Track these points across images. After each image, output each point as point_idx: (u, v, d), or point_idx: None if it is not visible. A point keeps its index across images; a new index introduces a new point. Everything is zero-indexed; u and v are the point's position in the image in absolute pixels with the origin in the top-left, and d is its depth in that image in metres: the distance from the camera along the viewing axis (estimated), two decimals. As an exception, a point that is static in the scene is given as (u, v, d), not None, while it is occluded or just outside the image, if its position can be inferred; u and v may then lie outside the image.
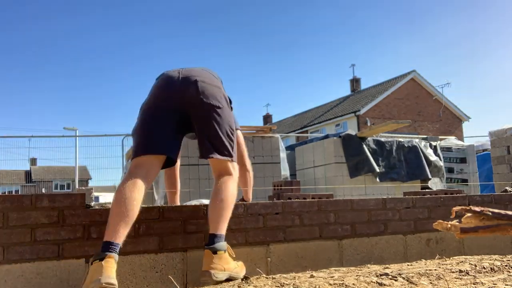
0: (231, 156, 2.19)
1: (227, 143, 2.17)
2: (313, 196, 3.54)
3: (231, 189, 2.12)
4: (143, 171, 2.03)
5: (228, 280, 1.97)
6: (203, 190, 5.83)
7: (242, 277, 1.99)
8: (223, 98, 2.22)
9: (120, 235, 1.82)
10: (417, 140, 7.66)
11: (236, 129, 2.37)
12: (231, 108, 2.32)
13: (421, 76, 24.90)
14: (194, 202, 2.78)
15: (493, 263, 1.99)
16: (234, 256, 2.09)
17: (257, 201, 2.45)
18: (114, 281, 1.70)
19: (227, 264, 1.99)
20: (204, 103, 2.14)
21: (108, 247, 1.78)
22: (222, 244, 2.00)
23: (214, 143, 2.14)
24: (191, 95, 2.13)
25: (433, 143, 7.80)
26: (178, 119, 2.16)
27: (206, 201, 2.44)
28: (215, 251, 1.97)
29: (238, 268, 2.07)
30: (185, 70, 2.24)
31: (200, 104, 2.13)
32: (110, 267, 1.72)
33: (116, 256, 1.78)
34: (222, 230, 2.04)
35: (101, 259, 1.73)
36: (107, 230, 1.82)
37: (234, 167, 2.21)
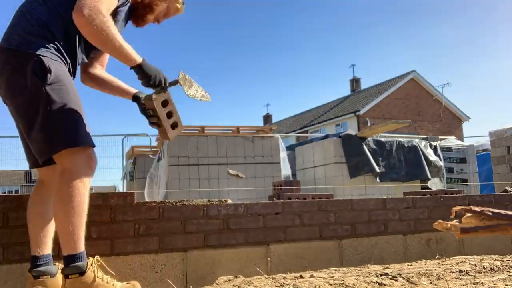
0: (54, 149, 1.62)
1: (44, 135, 1.61)
2: (313, 196, 3.54)
3: (71, 189, 1.60)
4: (41, 178, 1.87)
5: None
6: (203, 190, 5.83)
7: None
8: (23, 76, 1.59)
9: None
10: (417, 140, 7.66)
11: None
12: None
13: (421, 76, 24.90)
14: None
15: (493, 263, 1.99)
16: (111, 274, 1.79)
17: (257, 201, 2.45)
18: None
19: None
20: (4, 101, 1.71)
21: (32, 263, 1.70)
22: (75, 266, 1.60)
23: (33, 145, 1.67)
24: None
25: (433, 143, 7.80)
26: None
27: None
28: (66, 276, 1.61)
29: None
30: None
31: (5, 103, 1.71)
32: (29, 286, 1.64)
33: (37, 271, 1.68)
34: (74, 247, 1.62)
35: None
36: None
37: (74, 155, 1.63)
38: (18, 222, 1.98)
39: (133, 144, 9.09)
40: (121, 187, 10.11)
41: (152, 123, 1.95)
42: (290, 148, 8.27)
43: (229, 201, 2.39)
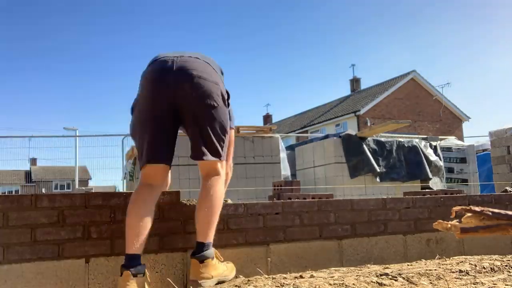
0: (220, 156, 2.08)
1: (217, 144, 2.06)
2: (313, 196, 3.54)
3: (219, 191, 2.06)
4: (149, 180, 2.04)
5: (219, 283, 1.99)
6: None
7: (231, 278, 2.03)
8: (219, 95, 2.07)
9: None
10: (417, 140, 7.66)
11: (231, 128, 2.25)
12: (228, 104, 2.18)
13: (421, 76, 24.91)
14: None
15: (493, 263, 1.99)
16: (222, 259, 2.11)
17: (257, 201, 2.45)
18: None
19: (215, 270, 1.98)
20: (199, 102, 2.01)
21: (126, 261, 1.87)
22: (210, 252, 1.97)
23: (205, 144, 2.04)
24: (185, 92, 1.99)
25: (433, 143, 7.80)
26: (172, 117, 2.05)
27: None
28: (202, 260, 1.94)
29: (227, 271, 2.07)
30: (181, 59, 2.04)
31: (194, 103, 2.01)
32: (128, 284, 1.80)
33: (135, 269, 1.84)
34: (210, 237, 2.00)
35: (121, 274, 1.84)
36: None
37: (222, 166, 2.12)
38: (18, 222, 1.98)
39: (133, 144, 9.09)
40: (121, 187, 10.11)
41: None
42: (290, 148, 8.27)
43: (229, 201, 2.39)
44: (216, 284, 1.97)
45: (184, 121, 2.07)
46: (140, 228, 1.88)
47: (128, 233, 1.89)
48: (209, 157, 2.03)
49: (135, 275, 1.81)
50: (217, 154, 2.06)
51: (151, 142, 2.01)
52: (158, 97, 2.01)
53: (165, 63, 2.02)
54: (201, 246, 1.96)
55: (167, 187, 2.18)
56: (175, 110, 2.03)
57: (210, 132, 2.03)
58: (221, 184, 2.08)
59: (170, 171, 2.13)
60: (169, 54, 2.08)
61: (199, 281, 1.92)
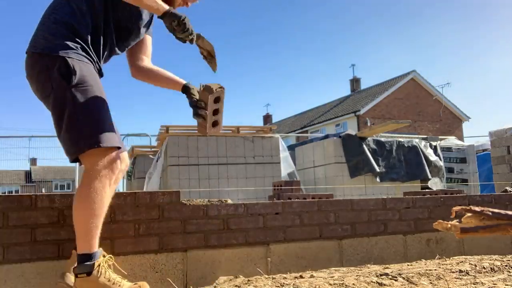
0: (79, 149, 1.65)
1: (69, 136, 1.66)
2: (313, 196, 3.54)
3: (90, 190, 1.66)
4: None
5: None
6: (203, 190, 5.83)
7: None
8: (48, 78, 1.64)
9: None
10: (417, 140, 7.66)
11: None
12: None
13: (421, 76, 24.90)
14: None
15: (493, 263, 1.99)
16: (122, 272, 1.86)
17: (257, 201, 2.45)
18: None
19: None
20: (39, 98, 1.74)
21: None
22: (85, 266, 1.67)
23: (62, 145, 1.72)
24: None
25: (433, 143, 7.80)
26: None
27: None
28: (76, 274, 1.68)
29: None
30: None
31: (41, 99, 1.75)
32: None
33: None
34: (88, 247, 1.68)
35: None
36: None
37: (96, 156, 1.65)
38: (18, 222, 1.98)
39: (133, 144, 9.09)
40: (121, 187, 10.12)
41: (198, 115, 1.94)
42: (290, 148, 8.27)
43: (229, 201, 2.39)
44: None
45: None
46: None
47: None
48: (71, 155, 1.70)
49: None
50: (72, 149, 1.67)
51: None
52: None
53: None
54: (79, 258, 1.69)
55: None
56: None
57: (58, 127, 1.71)
58: (90, 180, 1.66)
59: None
60: None
61: None
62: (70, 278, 1.71)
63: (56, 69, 1.64)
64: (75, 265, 1.69)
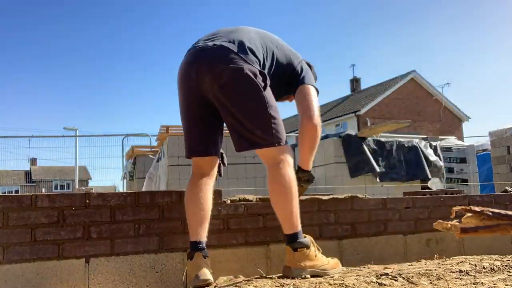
0: (271, 143, 1.94)
1: (258, 130, 1.92)
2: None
3: (286, 177, 1.93)
4: (200, 170, 2.11)
5: (314, 276, 1.91)
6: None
7: (331, 275, 1.94)
8: (246, 77, 1.90)
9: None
10: (417, 140, 7.66)
11: (304, 84, 2.18)
12: (266, 80, 1.99)
13: (421, 76, 24.90)
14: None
15: (493, 263, 1.98)
16: (321, 250, 2.06)
17: (257, 201, 2.45)
18: (209, 276, 1.85)
19: (311, 261, 1.95)
20: (223, 92, 1.93)
21: (195, 246, 1.94)
22: (302, 241, 1.96)
23: (241, 134, 1.95)
24: (207, 84, 1.94)
25: (433, 143, 7.79)
26: (208, 111, 2.03)
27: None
28: (295, 248, 1.94)
29: (327, 265, 2.00)
30: (201, 49, 1.99)
31: (219, 94, 1.94)
32: (202, 264, 1.88)
33: (203, 252, 1.92)
34: (296, 226, 1.97)
35: (191, 258, 1.90)
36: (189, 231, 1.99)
37: (282, 151, 1.96)
38: (18, 222, 1.98)
39: (133, 144, 9.10)
40: (121, 187, 10.12)
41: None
42: (290, 148, 8.26)
43: (229, 202, 2.39)
44: (312, 277, 1.90)
45: (219, 113, 2.03)
46: (200, 216, 1.98)
47: (190, 222, 2.00)
48: (252, 146, 1.96)
49: (205, 257, 1.91)
50: (264, 142, 1.94)
51: (189, 136, 2.16)
52: (188, 93, 2.06)
53: (189, 57, 2.04)
54: (290, 237, 1.96)
55: (214, 176, 2.16)
56: (210, 104, 2.02)
57: (244, 120, 1.93)
58: (285, 170, 1.94)
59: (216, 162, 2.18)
60: (199, 42, 2.06)
61: (292, 268, 1.92)
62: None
63: (257, 73, 1.95)
64: (287, 244, 1.97)
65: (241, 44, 1.98)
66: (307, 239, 2.00)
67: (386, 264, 2.30)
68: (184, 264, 2.19)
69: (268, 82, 1.99)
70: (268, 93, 1.97)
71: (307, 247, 1.96)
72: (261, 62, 2.04)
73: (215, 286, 1.97)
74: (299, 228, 1.99)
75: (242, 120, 1.93)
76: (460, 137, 17.30)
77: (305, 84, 2.21)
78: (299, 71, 2.23)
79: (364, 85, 28.59)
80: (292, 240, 1.96)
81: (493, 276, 1.78)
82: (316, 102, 2.22)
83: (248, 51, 1.98)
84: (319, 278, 1.84)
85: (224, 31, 2.08)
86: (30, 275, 1.96)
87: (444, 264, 2.09)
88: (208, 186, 2.07)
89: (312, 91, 2.23)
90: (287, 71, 2.21)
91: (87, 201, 2.10)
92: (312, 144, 2.18)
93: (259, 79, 1.94)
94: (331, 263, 2.04)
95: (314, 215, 2.53)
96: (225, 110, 1.97)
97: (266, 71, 2.04)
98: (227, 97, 1.94)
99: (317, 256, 1.99)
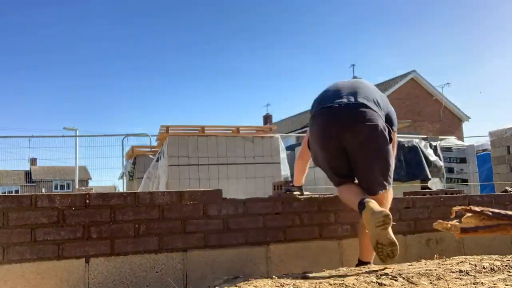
0: (385, 187, 2.33)
1: (381, 178, 2.32)
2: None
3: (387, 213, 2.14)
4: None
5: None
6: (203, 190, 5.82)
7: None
8: (381, 133, 2.30)
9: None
10: (417, 140, 7.66)
11: (393, 131, 2.50)
12: (392, 130, 2.44)
13: (421, 76, 24.88)
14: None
15: (493, 263, 1.98)
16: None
17: (257, 201, 2.45)
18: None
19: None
20: (363, 147, 2.30)
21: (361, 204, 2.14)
22: (383, 185, 2.32)
23: (372, 181, 2.32)
24: (350, 138, 2.30)
25: (433, 143, 7.79)
26: (343, 148, 2.37)
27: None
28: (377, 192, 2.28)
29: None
30: (346, 106, 2.33)
31: (359, 147, 2.31)
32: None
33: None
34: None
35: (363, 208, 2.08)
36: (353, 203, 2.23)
37: (390, 193, 2.38)
38: (18, 222, 1.98)
39: (133, 144, 9.09)
40: (121, 187, 10.12)
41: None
42: (290, 148, 8.27)
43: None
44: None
45: (351, 155, 2.35)
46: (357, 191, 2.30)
47: (351, 198, 2.30)
48: (378, 190, 2.28)
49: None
50: (383, 186, 2.31)
51: (334, 170, 2.53)
52: (330, 138, 2.35)
53: (332, 110, 2.35)
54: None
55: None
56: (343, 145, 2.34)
57: (376, 170, 2.29)
58: (388, 200, 2.36)
59: None
60: (339, 99, 2.37)
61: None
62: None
63: (387, 129, 2.33)
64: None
65: (374, 104, 2.35)
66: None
67: (386, 264, 2.30)
68: (184, 264, 2.19)
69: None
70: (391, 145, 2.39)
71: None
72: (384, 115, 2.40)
73: (215, 286, 1.97)
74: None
75: (375, 170, 2.31)
76: (460, 137, 17.30)
77: (393, 132, 2.49)
78: (391, 119, 2.51)
79: (364, 85, 28.56)
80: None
81: (493, 276, 1.78)
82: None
83: (378, 111, 2.34)
84: (319, 278, 1.84)
85: (350, 86, 2.46)
86: (30, 275, 1.96)
87: (444, 264, 2.09)
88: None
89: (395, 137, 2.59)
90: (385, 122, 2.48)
91: (87, 201, 2.10)
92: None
93: (387, 134, 2.32)
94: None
95: (314, 215, 2.53)
96: (360, 155, 2.35)
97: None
98: (364, 145, 2.30)
99: None
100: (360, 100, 2.32)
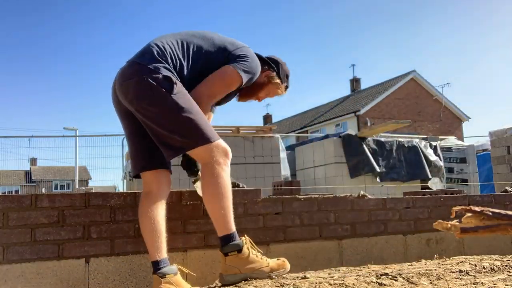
0: (193, 144, 1.87)
1: (178, 134, 1.85)
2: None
3: (215, 178, 1.87)
4: (147, 188, 1.99)
5: (252, 279, 1.86)
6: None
7: (276, 274, 1.89)
8: (149, 87, 1.83)
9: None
10: (417, 140, 7.66)
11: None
12: (173, 83, 1.87)
13: (421, 76, 24.89)
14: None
15: (493, 263, 1.98)
16: (259, 252, 1.95)
17: (257, 201, 2.45)
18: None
19: (248, 264, 1.86)
20: (134, 106, 1.89)
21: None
22: (233, 244, 1.86)
23: (163, 142, 1.89)
24: (122, 100, 1.94)
25: (433, 143, 7.80)
26: (138, 126, 1.96)
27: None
28: (226, 253, 1.87)
29: (266, 268, 1.90)
30: (119, 72, 1.98)
31: (133, 109, 1.91)
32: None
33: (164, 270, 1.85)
34: (228, 228, 1.87)
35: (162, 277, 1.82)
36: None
37: (209, 150, 1.88)
38: (18, 222, 1.98)
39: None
40: (121, 187, 10.12)
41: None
42: (290, 148, 8.27)
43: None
44: (246, 281, 1.85)
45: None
46: (153, 237, 1.87)
47: (146, 243, 1.90)
48: (177, 152, 1.89)
49: (162, 276, 1.82)
50: (184, 145, 1.88)
51: (132, 154, 2.07)
52: (118, 111, 2.05)
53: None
54: (222, 240, 1.88)
55: (168, 189, 2.04)
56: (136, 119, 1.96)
57: (160, 129, 1.86)
58: (213, 170, 1.88)
59: (166, 174, 2.02)
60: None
61: (224, 275, 1.86)
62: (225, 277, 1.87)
63: (161, 81, 1.85)
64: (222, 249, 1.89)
65: (146, 53, 1.92)
66: (241, 241, 1.89)
67: (386, 264, 2.30)
68: (184, 264, 2.19)
69: (176, 85, 1.86)
70: (179, 95, 1.86)
71: (239, 250, 1.86)
72: (175, 63, 1.93)
73: (215, 286, 1.97)
74: (232, 230, 1.88)
75: (159, 129, 1.86)
76: (460, 137, 17.30)
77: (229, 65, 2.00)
78: (233, 56, 2.04)
79: (364, 85, 28.59)
80: (224, 243, 1.87)
81: (493, 276, 1.78)
82: (222, 87, 2.02)
83: (155, 59, 1.89)
84: (319, 278, 1.84)
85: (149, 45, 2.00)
86: (30, 275, 1.96)
87: (444, 264, 2.09)
88: (155, 204, 1.92)
89: (232, 75, 2.00)
90: (220, 58, 2.03)
91: (87, 201, 2.10)
92: None
93: (165, 84, 1.84)
94: (273, 264, 1.93)
95: (314, 215, 2.53)
96: (144, 124, 1.92)
97: (185, 69, 1.95)
98: (137, 112, 1.89)
99: (253, 258, 1.88)
100: (131, 59, 1.98)
